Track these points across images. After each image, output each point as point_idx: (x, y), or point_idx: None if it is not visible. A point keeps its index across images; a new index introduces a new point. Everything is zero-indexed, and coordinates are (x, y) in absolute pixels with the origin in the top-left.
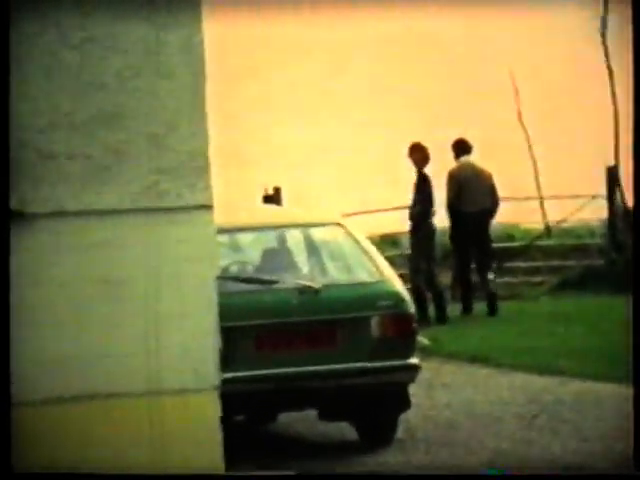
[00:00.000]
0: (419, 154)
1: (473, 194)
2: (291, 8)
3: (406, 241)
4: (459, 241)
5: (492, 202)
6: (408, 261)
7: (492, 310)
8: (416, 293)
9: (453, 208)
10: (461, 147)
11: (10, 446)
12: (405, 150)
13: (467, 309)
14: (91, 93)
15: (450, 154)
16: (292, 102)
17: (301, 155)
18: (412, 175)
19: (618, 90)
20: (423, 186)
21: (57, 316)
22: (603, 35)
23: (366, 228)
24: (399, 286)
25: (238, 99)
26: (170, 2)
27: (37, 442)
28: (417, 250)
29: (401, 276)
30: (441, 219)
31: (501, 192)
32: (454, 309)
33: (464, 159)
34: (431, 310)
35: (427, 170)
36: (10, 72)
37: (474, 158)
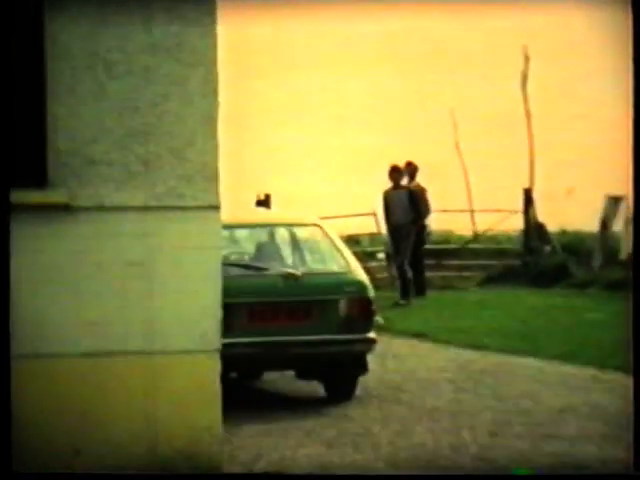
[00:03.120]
0: (398, 175)
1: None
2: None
3: (365, 241)
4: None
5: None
6: (395, 255)
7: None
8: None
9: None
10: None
11: (10, 446)
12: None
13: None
14: (127, 115)
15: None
16: (288, 107)
17: (292, 162)
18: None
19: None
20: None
21: (92, 288)
22: (523, 88)
23: (336, 229)
24: (362, 276)
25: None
26: (194, 47)
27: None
28: (403, 248)
29: (365, 268)
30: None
31: (439, 205)
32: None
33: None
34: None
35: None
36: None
37: (419, 179)
